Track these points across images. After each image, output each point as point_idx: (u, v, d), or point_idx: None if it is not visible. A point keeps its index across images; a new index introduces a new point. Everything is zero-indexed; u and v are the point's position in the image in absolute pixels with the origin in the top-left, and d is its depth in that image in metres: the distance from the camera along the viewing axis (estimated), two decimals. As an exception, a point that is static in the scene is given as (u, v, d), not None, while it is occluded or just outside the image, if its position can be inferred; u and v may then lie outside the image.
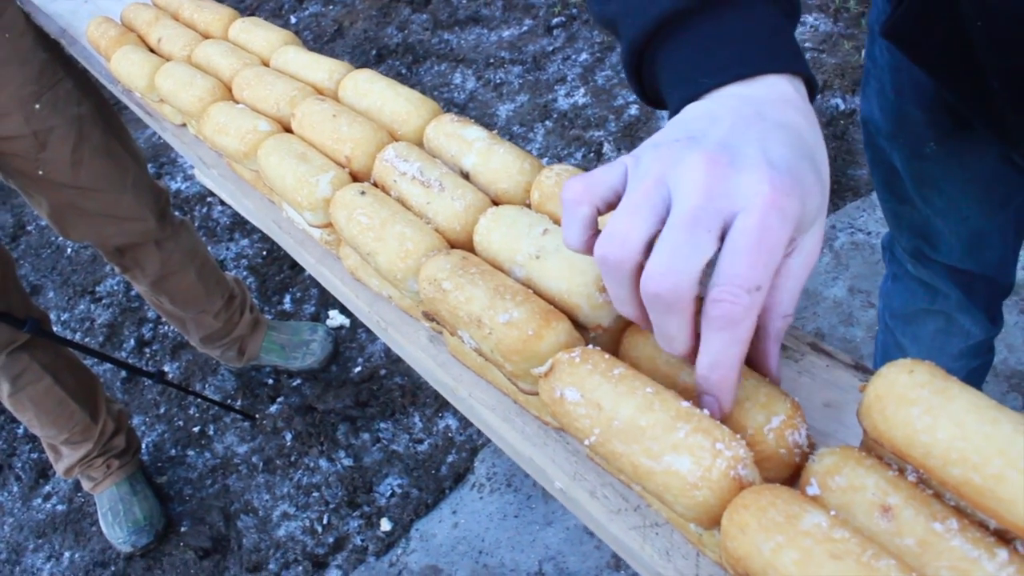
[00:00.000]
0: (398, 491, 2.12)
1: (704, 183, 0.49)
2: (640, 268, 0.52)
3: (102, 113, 1.86)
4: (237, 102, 0.99)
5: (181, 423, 2.49)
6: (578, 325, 0.64)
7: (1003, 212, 1.26)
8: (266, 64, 1.05)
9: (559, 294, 0.64)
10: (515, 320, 0.60)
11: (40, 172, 1.81)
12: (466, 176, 0.78)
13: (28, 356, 1.98)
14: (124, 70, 1.16)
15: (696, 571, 0.54)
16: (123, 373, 2.66)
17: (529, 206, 0.75)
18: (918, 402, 0.47)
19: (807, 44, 2.98)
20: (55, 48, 1.73)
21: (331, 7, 3.89)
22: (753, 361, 0.58)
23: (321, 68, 0.97)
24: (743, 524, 0.46)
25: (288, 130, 0.93)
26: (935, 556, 0.46)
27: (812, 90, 0.59)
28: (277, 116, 0.93)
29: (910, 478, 0.50)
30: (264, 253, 2.86)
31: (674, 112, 0.57)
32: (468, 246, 0.72)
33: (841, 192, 2.48)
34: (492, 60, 3.24)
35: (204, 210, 3.11)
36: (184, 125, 1.16)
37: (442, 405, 2.27)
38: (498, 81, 3.15)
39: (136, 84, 1.14)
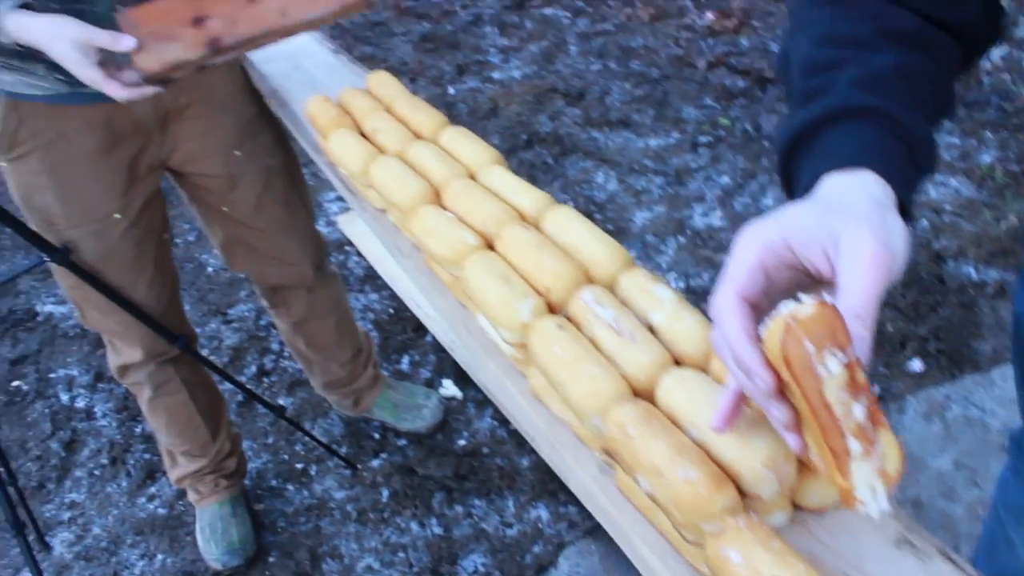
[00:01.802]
0: (481, 569, 2.18)
1: None
2: None
3: (289, 166, 2.03)
4: (444, 207, 1.11)
5: (286, 457, 2.61)
6: (741, 490, 0.71)
7: None
8: (472, 176, 1.17)
9: (729, 462, 0.71)
10: (693, 479, 0.68)
11: (225, 209, 1.98)
12: (651, 329, 0.87)
13: (173, 369, 2.13)
14: (340, 152, 1.30)
15: None
16: (240, 396, 2.81)
17: (705, 370, 0.83)
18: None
19: (947, 206, 3.00)
20: (261, 103, 1.91)
21: (488, 85, 4.10)
22: None
23: (526, 196, 1.08)
24: None
25: (490, 246, 1.03)
26: None
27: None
28: (482, 231, 1.04)
29: None
30: (391, 311, 3.01)
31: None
32: (648, 394, 0.81)
33: (961, 364, 2.48)
34: (636, 166, 3.36)
35: (341, 258, 3.29)
36: (384, 211, 1.29)
37: (537, 495, 2.34)
38: (639, 188, 3.26)
39: (350, 168, 1.27)
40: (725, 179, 3.23)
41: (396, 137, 1.28)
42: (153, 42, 1.42)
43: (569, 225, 1.01)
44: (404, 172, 1.17)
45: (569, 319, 0.90)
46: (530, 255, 0.96)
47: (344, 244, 3.34)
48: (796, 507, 0.76)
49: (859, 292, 0.59)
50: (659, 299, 0.87)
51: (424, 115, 1.31)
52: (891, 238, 0.62)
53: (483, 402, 2.62)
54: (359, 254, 3.23)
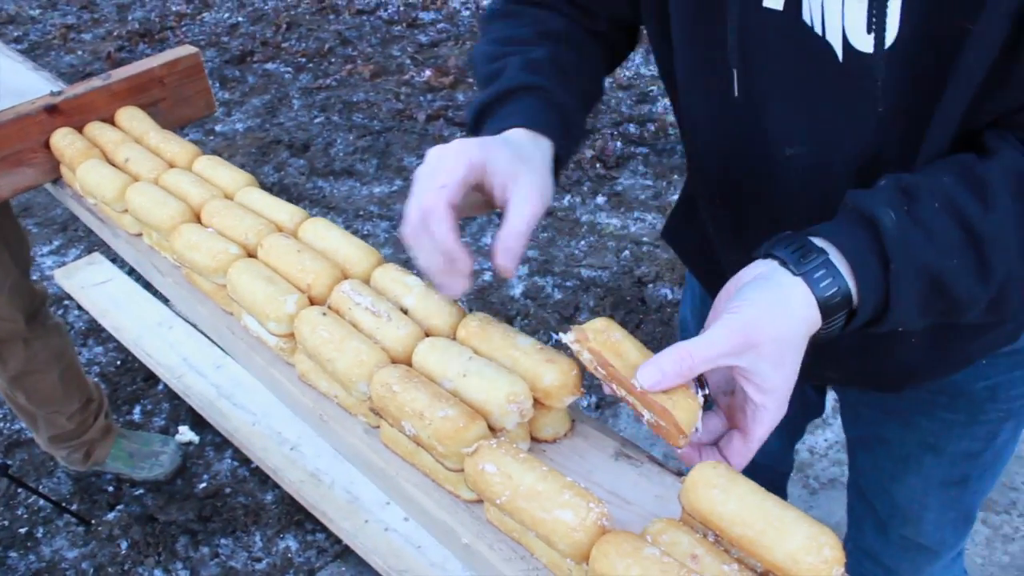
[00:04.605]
0: (232, 604, 2.19)
1: None
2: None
3: None
4: (205, 226, 1.20)
5: (6, 523, 2.46)
6: (489, 426, 0.88)
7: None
8: (230, 198, 1.27)
9: (478, 402, 0.88)
10: (450, 416, 0.85)
11: None
12: (404, 311, 1.03)
13: None
14: (92, 180, 1.34)
15: (564, 600, 0.78)
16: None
17: (454, 338, 1.00)
18: (717, 486, 0.74)
19: (644, 239, 3.45)
20: None
21: (212, 138, 4.10)
22: None
23: (283, 210, 1.21)
24: (606, 552, 0.71)
25: (251, 256, 1.15)
26: (722, 587, 0.72)
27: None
28: (243, 243, 1.15)
29: (710, 539, 0.76)
30: (118, 363, 2.92)
31: None
32: (405, 362, 0.96)
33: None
34: (362, 212, 3.53)
35: (60, 312, 3.15)
36: (139, 235, 1.35)
37: (284, 526, 2.39)
38: (365, 233, 3.43)
39: (104, 195, 1.32)
40: (446, 223, 3.47)
41: (150, 165, 1.34)
42: (6, 169, 1.44)
43: (325, 233, 1.15)
44: (162, 194, 1.25)
45: (331, 308, 1.04)
46: (291, 258, 1.09)
47: (63, 298, 3.19)
48: (534, 439, 0.95)
49: (522, 220, 0.83)
50: (409, 286, 1.03)
51: (177, 146, 1.39)
52: (546, 189, 0.87)
53: (222, 444, 2.62)
54: (80, 308, 3.11)
